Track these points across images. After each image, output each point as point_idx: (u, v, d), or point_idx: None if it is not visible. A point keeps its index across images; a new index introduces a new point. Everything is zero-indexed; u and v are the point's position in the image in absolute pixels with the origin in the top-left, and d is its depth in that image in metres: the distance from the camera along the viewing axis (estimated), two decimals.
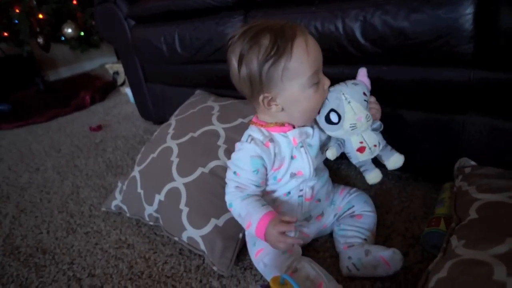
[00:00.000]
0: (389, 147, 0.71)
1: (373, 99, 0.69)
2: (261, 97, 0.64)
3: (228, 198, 0.71)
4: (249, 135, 0.69)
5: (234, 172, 0.69)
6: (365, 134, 0.68)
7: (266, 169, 0.69)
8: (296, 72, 0.60)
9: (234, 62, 0.63)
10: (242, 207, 0.67)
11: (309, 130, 0.70)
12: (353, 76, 0.87)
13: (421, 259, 0.71)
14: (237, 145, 0.72)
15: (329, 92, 0.66)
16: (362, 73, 0.69)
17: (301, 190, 0.73)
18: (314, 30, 0.86)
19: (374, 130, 0.69)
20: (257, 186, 0.69)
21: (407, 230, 0.79)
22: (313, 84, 0.62)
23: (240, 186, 0.68)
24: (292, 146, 0.69)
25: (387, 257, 0.65)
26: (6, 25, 2.02)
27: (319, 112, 0.67)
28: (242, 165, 0.68)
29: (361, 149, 0.68)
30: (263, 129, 0.68)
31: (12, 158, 1.61)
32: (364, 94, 0.66)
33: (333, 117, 0.65)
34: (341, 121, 0.65)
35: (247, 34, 0.61)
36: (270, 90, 0.62)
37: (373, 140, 0.68)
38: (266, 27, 0.61)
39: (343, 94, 0.64)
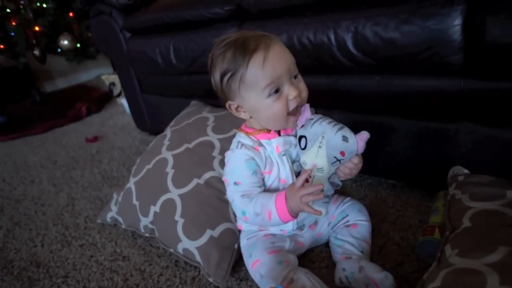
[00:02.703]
0: (327, 200, 0.69)
1: (357, 160, 0.65)
2: (227, 104, 0.69)
3: (238, 209, 0.70)
4: (239, 142, 0.71)
5: (235, 183, 0.69)
6: (317, 176, 0.66)
7: (260, 169, 0.70)
8: (252, 84, 0.63)
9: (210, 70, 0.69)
10: (255, 206, 0.66)
11: (293, 140, 0.71)
12: (344, 87, 0.88)
13: (416, 268, 0.71)
14: (227, 154, 0.73)
15: (318, 124, 0.64)
16: (362, 137, 0.63)
17: None
18: (306, 41, 0.87)
19: (331, 183, 0.67)
20: (259, 187, 0.70)
21: (402, 239, 0.79)
22: (271, 94, 0.63)
23: (245, 193, 0.68)
24: (275, 154, 0.70)
25: (377, 280, 0.65)
26: (2, 37, 2.03)
27: (302, 126, 0.67)
28: (240, 172, 0.69)
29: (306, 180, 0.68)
30: (251, 136, 0.71)
31: (7, 170, 1.60)
32: (342, 153, 0.62)
33: (302, 143, 0.66)
34: (303, 151, 0.66)
35: (219, 45, 0.66)
36: (233, 99, 0.68)
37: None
38: (234, 39, 0.64)
39: (323, 137, 0.63)
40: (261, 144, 0.70)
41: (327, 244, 0.80)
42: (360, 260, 0.70)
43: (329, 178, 0.66)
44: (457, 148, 0.79)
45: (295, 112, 0.66)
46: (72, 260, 0.93)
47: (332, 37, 0.82)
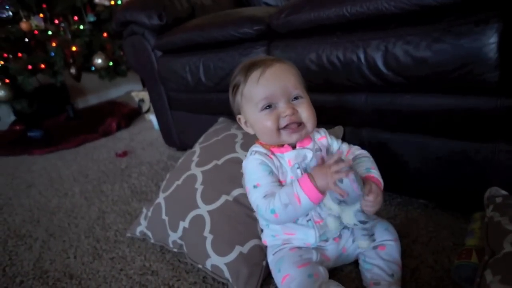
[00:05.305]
0: (365, 232, 0.71)
1: (371, 197, 0.65)
2: (237, 118, 0.78)
3: (265, 209, 0.68)
4: (252, 150, 0.75)
5: (254, 186, 0.71)
6: (345, 212, 0.68)
7: (275, 172, 0.71)
8: (249, 97, 0.71)
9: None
10: (281, 198, 0.66)
11: (308, 153, 0.72)
12: (374, 105, 0.87)
13: None
14: (243, 164, 0.76)
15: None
16: (350, 177, 0.62)
17: (306, 215, 0.73)
18: (336, 59, 0.88)
19: (359, 221, 0.67)
20: (279, 185, 0.71)
21: (436, 262, 0.76)
22: (263, 108, 0.69)
23: (267, 193, 0.69)
24: (288, 167, 0.71)
25: None
26: (43, 57, 2.16)
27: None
28: (257, 175, 0.71)
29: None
30: (265, 147, 0.74)
31: (43, 183, 1.68)
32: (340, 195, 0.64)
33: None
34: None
35: (238, 66, 0.75)
36: (240, 112, 0.76)
37: (348, 219, 0.68)
38: (247, 62, 0.74)
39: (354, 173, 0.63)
40: (273, 155, 0.72)
41: (356, 265, 0.79)
42: (390, 286, 0.68)
43: (355, 215, 0.67)
44: (494, 168, 0.76)
45: (292, 127, 0.69)
46: (103, 273, 0.96)
47: (362, 56, 0.83)
